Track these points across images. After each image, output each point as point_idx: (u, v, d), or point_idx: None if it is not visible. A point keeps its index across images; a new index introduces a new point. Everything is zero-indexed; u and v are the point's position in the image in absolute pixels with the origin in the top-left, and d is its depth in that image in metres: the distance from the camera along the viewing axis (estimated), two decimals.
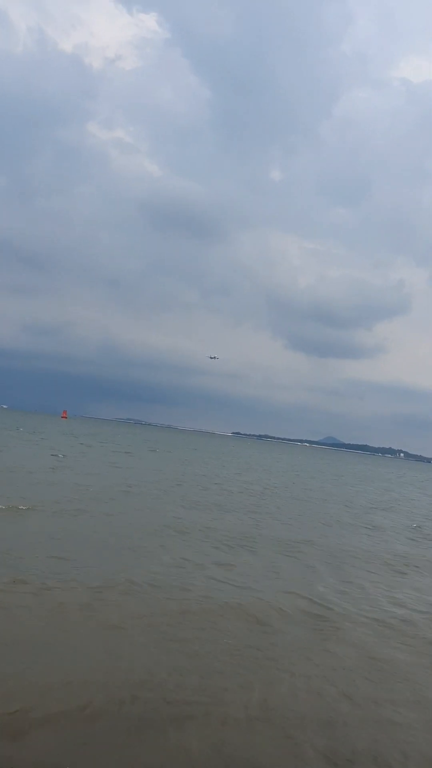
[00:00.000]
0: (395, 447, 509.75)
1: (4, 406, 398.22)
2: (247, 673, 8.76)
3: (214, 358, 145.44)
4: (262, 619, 11.20)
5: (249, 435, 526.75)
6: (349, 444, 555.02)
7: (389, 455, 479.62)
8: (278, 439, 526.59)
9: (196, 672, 8.57)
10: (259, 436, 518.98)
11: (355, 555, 18.81)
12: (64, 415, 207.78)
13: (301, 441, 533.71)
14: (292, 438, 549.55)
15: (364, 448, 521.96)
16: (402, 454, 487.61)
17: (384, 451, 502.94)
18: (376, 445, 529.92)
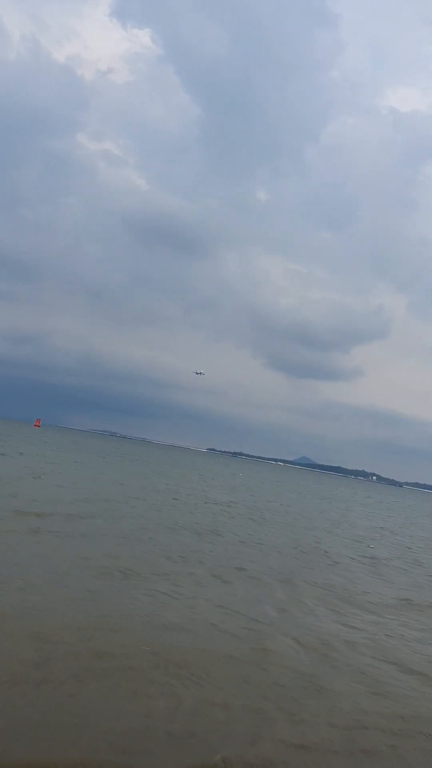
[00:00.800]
0: (368, 470, 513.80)
1: None
2: None
3: (200, 373, 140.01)
4: None
5: (224, 452, 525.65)
6: (323, 465, 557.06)
7: (362, 477, 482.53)
8: (252, 456, 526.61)
9: None
10: (234, 454, 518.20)
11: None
12: (37, 423, 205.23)
13: (275, 460, 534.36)
14: (266, 456, 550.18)
15: (337, 469, 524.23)
16: (374, 477, 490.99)
17: (357, 473, 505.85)
18: (349, 467, 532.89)
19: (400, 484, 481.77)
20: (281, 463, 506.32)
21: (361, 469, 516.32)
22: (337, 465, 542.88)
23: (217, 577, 16.61)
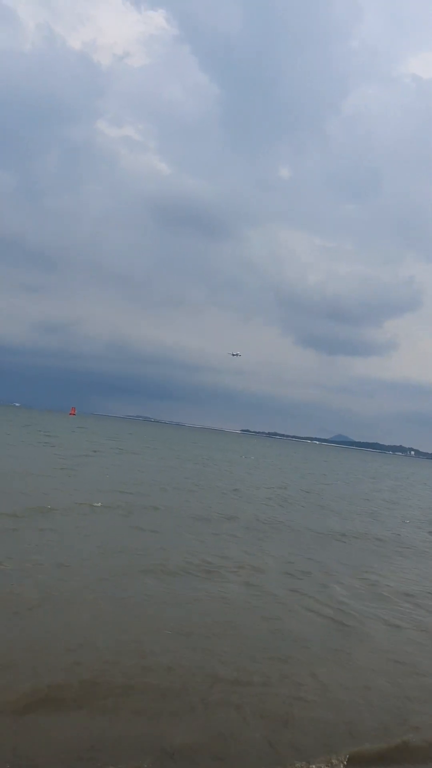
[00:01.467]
0: (406, 445, 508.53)
1: (17, 404, 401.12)
2: None
3: (237, 354, 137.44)
4: None
5: (258, 432, 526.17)
6: (359, 442, 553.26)
7: (400, 453, 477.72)
8: (287, 436, 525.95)
9: None
10: (269, 434, 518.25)
11: None
12: (72, 412, 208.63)
13: (311, 439, 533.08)
14: (301, 436, 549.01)
15: (374, 446, 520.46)
16: (413, 452, 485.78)
17: (395, 449, 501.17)
18: (386, 443, 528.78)
19: None
20: (317, 442, 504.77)
21: (398, 445, 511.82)
22: (374, 441, 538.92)
23: None
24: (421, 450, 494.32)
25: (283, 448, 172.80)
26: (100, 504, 21.65)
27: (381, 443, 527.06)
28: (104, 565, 14.04)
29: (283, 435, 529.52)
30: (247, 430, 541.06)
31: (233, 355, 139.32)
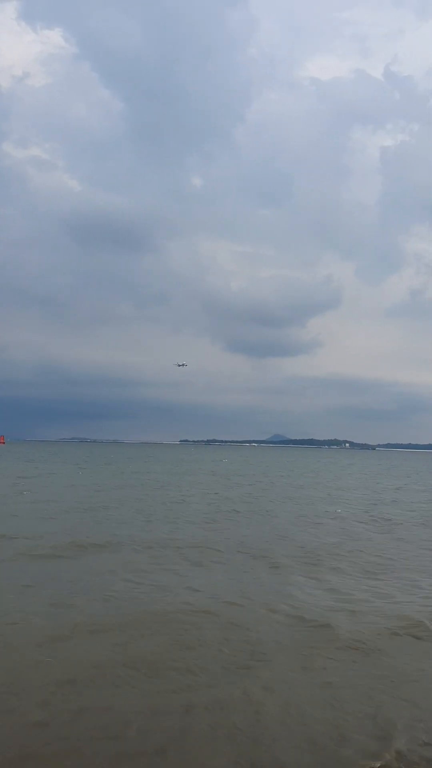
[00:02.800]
0: (340, 438, 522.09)
1: None
2: None
3: (183, 365, 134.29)
4: None
5: (196, 441, 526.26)
6: (296, 440, 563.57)
7: (335, 446, 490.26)
8: (226, 442, 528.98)
9: None
10: (207, 441, 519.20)
11: None
12: (1, 440, 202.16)
13: (249, 442, 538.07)
14: (239, 440, 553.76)
15: (310, 442, 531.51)
16: (347, 444, 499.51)
17: (330, 443, 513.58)
18: (322, 438, 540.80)
19: (373, 447, 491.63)
20: (255, 444, 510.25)
21: (333, 438, 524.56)
22: (310, 438, 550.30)
23: None
24: (354, 441, 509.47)
25: (219, 454, 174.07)
26: None
27: (316, 439, 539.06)
28: None
29: (221, 441, 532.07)
30: (186, 440, 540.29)
31: (179, 365, 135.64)
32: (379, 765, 7.09)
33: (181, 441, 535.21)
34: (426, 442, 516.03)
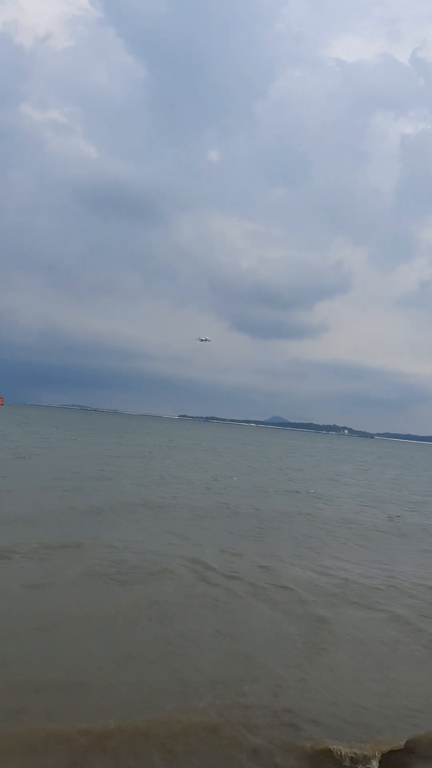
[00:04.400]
0: (340, 424, 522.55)
1: None
2: None
3: (206, 340, 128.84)
4: None
5: (196, 417, 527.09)
6: (295, 423, 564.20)
7: (334, 432, 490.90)
8: (225, 420, 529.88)
9: None
10: (206, 418, 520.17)
11: None
12: (0, 402, 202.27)
13: (247, 421, 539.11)
14: (238, 419, 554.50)
15: (309, 426, 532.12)
16: (346, 431, 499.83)
17: (329, 428, 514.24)
18: (321, 423, 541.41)
19: (371, 436, 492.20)
20: (254, 425, 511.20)
21: (332, 424, 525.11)
22: (309, 422, 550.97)
23: None
24: (354, 429, 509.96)
25: (216, 433, 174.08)
26: None
27: (315, 423, 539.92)
28: None
29: (220, 419, 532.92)
30: (185, 415, 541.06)
31: (202, 340, 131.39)
32: None
33: (180, 416, 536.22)
34: (425, 434, 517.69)
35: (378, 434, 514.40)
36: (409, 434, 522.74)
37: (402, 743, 7.25)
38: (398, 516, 27.13)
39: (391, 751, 7.09)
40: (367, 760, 6.82)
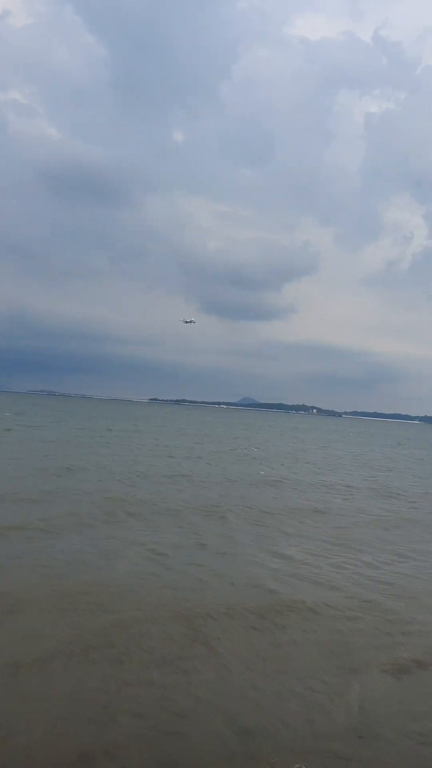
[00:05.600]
0: (308, 404, 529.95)
1: None
2: None
3: (190, 322, 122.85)
4: None
5: (166, 400, 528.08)
6: (265, 403, 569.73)
7: (302, 412, 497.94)
8: (196, 402, 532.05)
9: None
10: (177, 401, 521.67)
11: None
12: None
13: (218, 403, 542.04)
14: (209, 401, 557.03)
15: (279, 406, 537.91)
16: (315, 410, 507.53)
17: (298, 408, 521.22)
18: (290, 403, 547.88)
19: (339, 414, 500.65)
20: (224, 406, 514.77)
21: (301, 404, 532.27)
22: (279, 402, 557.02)
23: None
24: (322, 408, 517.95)
25: (186, 415, 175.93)
26: None
27: (285, 403, 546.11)
28: None
29: (191, 401, 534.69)
30: (156, 399, 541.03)
31: (186, 322, 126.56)
32: None
33: (150, 399, 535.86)
34: (392, 411, 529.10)
35: (346, 413, 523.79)
36: (376, 412, 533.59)
37: None
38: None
39: None
40: None
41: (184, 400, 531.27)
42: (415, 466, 51.75)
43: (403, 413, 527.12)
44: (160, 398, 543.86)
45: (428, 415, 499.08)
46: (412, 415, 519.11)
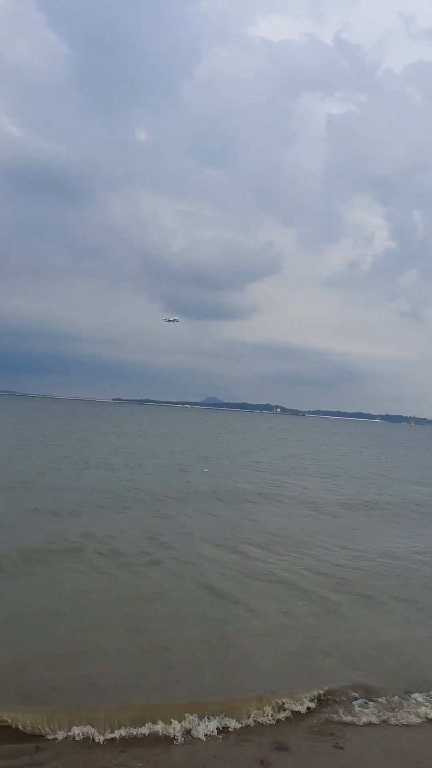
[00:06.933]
0: (272, 403, 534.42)
1: None
2: None
3: (173, 320, 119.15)
4: None
5: (130, 400, 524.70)
6: (229, 403, 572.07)
7: (266, 411, 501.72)
8: (160, 402, 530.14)
9: None
10: (141, 401, 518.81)
11: None
12: None
13: (183, 403, 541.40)
14: (173, 401, 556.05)
15: (243, 406, 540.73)
16: (278, 410, 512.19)
17: (262, 407, 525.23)
18: (254, 402, 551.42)
19: (302, 413, 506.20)
20: (189, 406, 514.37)
21: (265, 403, 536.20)
22: (243, 402, 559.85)
23: None
24: (286, 407, 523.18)
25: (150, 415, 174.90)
26: None
27: (249, 403, 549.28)
28: None
29: (155, 401, 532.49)
30: (119, 399, 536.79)
31: (169, 320, 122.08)
32: None
33: (114, 399, 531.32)
34: (353, 410, 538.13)
35: (309, 412, 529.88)
36: (338, 411, 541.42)
37: None
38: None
39: None
40: None
41: (148, 400, 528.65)
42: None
43: (365, 412, 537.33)
44: (123, 398, 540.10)
45: (389, 414, 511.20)
46: (374, 414, 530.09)
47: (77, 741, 6.53)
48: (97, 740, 6.56)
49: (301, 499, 24.39)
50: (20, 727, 6.63)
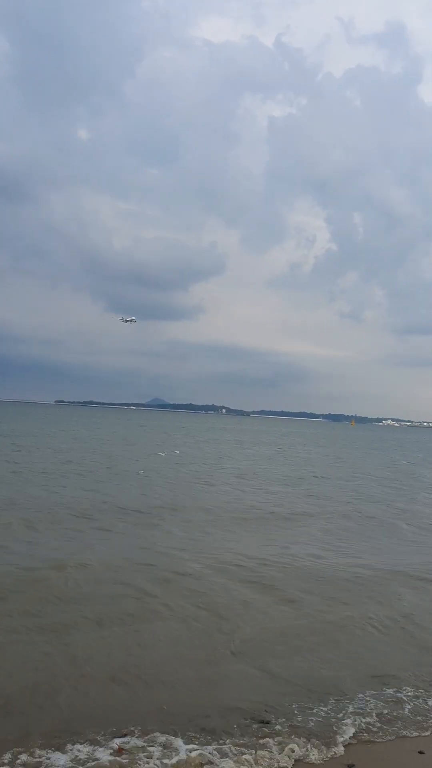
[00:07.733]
0: (217, 404, 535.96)
1: None
2: None
3: (130, 320, 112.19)
4: None
5: (73, 402, 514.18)
6: (174, 404, 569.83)
7: (212, 412, 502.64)
8: (104, 404, 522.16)
9: None
10: (84, 403, 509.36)
11: None
12: None
13: (127, 404, 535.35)
14: (118, 402, 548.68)
15: (188, 407, 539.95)
16: (224, 410, 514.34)
17: (207, 408, 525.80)
18: (200, 403, 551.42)
19: (248, 414, 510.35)
20: (133, 407, 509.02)
21: (210, 404, 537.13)
22: (188, 402, 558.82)
23: None
24: (231, 408, 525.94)
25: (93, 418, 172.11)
26: None
27: (194, 404, 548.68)
28: None
29: (99, 403, 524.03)
30: (62, 401, 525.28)
31: (126, 320, 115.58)
32: None
33: (57, 401, 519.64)
34: (297, 410, 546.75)
35: (254, 412, 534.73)
36: (282, 410, 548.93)
37: None
38: None
39: None
40: None
41: (91, 402, 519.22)
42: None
43: (309, 411, 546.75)
44: (66, 400, 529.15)
45: (332, 413, 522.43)
46: (317, 413, 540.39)
47: None
48: None
49: None
50: None
